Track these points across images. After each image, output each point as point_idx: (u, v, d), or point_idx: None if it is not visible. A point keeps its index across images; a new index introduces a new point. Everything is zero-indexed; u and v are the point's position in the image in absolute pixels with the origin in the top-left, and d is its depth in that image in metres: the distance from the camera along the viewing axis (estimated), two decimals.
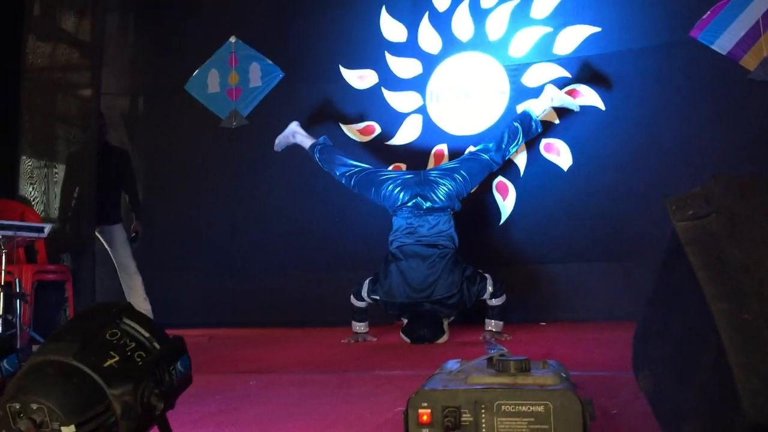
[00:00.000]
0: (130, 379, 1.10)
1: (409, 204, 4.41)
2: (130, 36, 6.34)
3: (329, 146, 4.95)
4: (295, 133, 5.14)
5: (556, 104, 4.90)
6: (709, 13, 4.89)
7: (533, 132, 4.81)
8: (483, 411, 1.19)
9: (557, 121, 5.21)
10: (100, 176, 5.02)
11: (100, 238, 5.21)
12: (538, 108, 4.83)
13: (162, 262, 5.86)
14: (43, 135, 5.47)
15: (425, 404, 1.21)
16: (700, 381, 1.20)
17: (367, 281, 4.30)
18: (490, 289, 4.14)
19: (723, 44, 4.87)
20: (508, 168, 5.31)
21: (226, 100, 6.06)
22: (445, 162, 5.34)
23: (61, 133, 5.62)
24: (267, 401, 2.28)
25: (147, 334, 1.20)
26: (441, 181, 4.48)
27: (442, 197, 4.42)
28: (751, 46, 4.79)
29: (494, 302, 4.17)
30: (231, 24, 6.08)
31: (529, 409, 1.18)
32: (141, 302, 5.19)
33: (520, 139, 4.75)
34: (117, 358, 1.13)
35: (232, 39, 6.06)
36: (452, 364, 1.52)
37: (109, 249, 5.22)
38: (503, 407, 1.18)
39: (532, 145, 5.25)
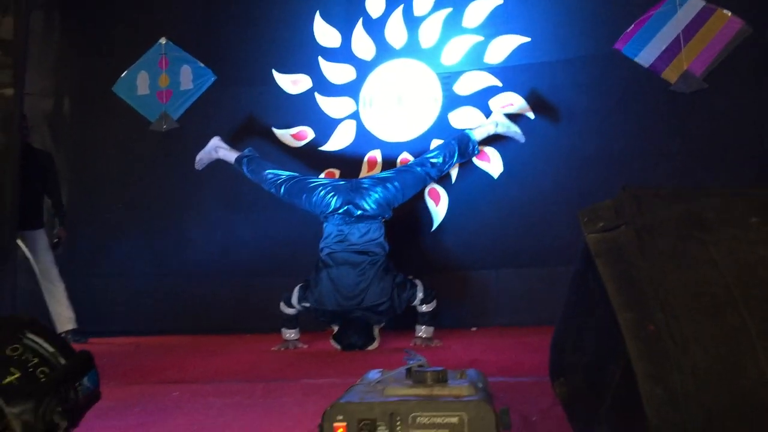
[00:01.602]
0: (31, 397, 1.06)
1: (341, 211, 4.40)
2: (56, 35, 6.13)
3: (256, 157, 4.90)
4: (217, 148, 5.06)
5: (500, 131, 4.91)
6: (632, 26, 5.05)
7: (469, 154, 4.88)
8: (398, 423, 1.19)
9: None
10: (22, 180, 4.84)
11: (21, 245, 5.03)
12: (481, 132, 4.87)
13: (87, 268, 5.69)
14: None
15: (340, 417, 1.20)
16: (611, 389, 1.23)
17: (297, 288, 4.27)
18: (420, 295, 4.18)
19: (645, 57, 5.03)
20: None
21: (156, 103, 5.93)
22: (379, 170, 5.35)
23: None
24: (189, 413, 2.23)
25: (51, 349, 1.16)
26: (373, 189, 4.49)
27: (373, 205, 4.42)
28: (672, 60, 4.96)
29: (424, 308, 4.21)
30: (161, 25, 5.95)
31: (443, 420, 1.18)
32: (64, 310, 5.03)
33: (456, 159, 4.80)
34: (18, 375, 1.09)
35: (163, 40, 5.93)
36: (373, 374, 1.52)
37: (30, 255, 5.04)
38: (418, 419, 1.18)
39: None
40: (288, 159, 5.57)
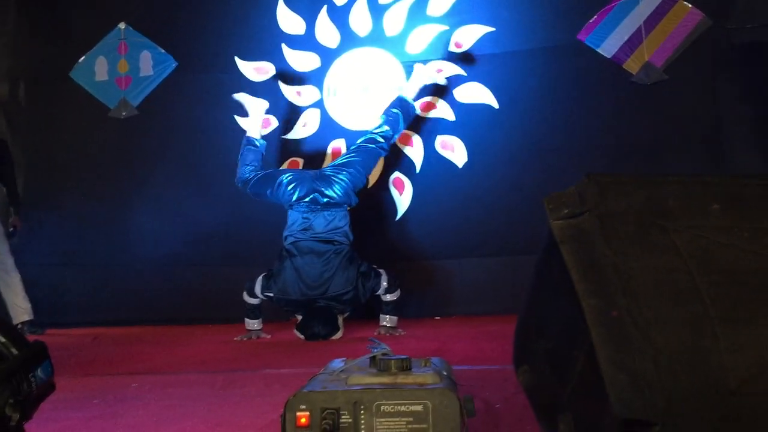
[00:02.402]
0: None
1: (306, 199, 4.38)
2: (11, 18, 5.95)
3: (256, 150, 4.90)
4: (257, 119, 5.06)
5: (427, 82, 5.09)
6: (595, 17, 5.09)
7: (411, 114, 5.00)
8: (362, 412, 1.17)
9: (453, 119, 5.29)
10: None
11: None
12: (411, 91, 5.01)
13: (44, 257, 5.56)
14: None
15: (303, 407, 1.18)
16: (575, 375, 1.23)
17: (260, 278, 4.24)
18: (384, 284, 4.18)
19: (608, 48, 5.08)
20: (404, 164, 5.34)
21: (115, 89, 5.80)
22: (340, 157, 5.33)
23: None
24: (148, 404, 2.20)
25: (3, 339, 1.12)
26: (337, 176, 4.48)
27: (339, 192, 4.42)
28: (633, 51, 5.02)
29: (388, 298, 4.21)
30: (121, 9, 5.81)
31: (408, 408, 1.17)
32: (20, 301, 4.93)
33: (402, 126, 4.88)
34: None
35: (122, 25, 5.80)
36: (337, 364, 1.50)
37: None
38: (382, 407, 1.17)
39: (428, 141, 5.31)
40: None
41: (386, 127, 4.74)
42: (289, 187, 4.44)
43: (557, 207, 1.20)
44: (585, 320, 1.09)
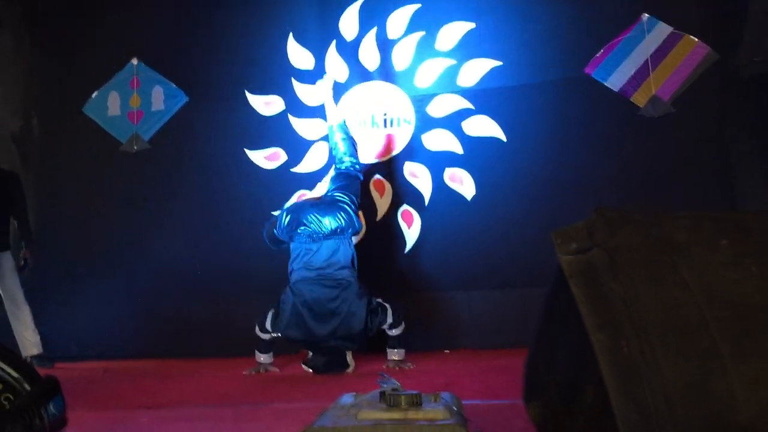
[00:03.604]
0: None
1: (307, 230, 4.35)
2: (26, 54, 6.06)
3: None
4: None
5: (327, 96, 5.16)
6: (602, 51, 5.14)
7: (346, 129, 4.95)
8: None
9: (461, 152, 5.32)
10: None
11: None
12: (331, 117, 5.03)
13: (54, 291, 5.58)
14: None
15: None
16: (585, 409, 1.23)
17: (270, 313, 4.23)
18: (390, 320, 4.16)
19: (615, 81, 5.11)
20: (413, 197, 5.36)
21: (127, 124, 5.88)
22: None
23: None
24: None
25: (16, 375, 1.13)
26: (344, 200, 4.47)
27: (343, 217, 4.38)
28: (640, 84, 5.05)
29: (393, 332, 4.21)
30: (133, 45, 5.90)
31: None
32: (29, 334, 4.93)
33: (349, 146, 4.83)
34: None
35: (134, 61, 5.89)
36: (347, 399, 1.50)
37: None
38: None
39: (436, 174, 5.33)
40: (260, 181, 5.55)
41: (350, 154, 4.76)
42: (290, 218, 4.41)
43: (566, 242, 1.21)
44: (594, 354, 1.10)
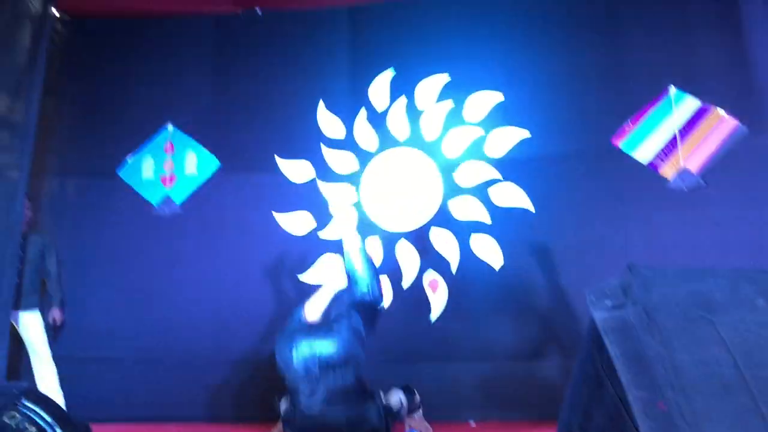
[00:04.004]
0: None
1: (301, 368, 3.79)
2: (65, 118, 6.25)
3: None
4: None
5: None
6: (629, 123, 5.18)
7: (366, 254, 4.26)
8: None
9: (489, 222, 5.33)
10: (21, 260, 4.84)
11: (15, 324, 4.98)
12: (348, 242, 4.27)
13: (81, 351, 5.58)
14: None
15: None
16: None
17: (282, 402, 3.99)
18: (404, 405, 3.96)
19: (643, 154, 5.14)
20: (440, 264, 5.35)
21: (160, 187, 5.99)
22: (380, 260, 5.39)
23: None
24: None
25: (50, 419, 1.14)
26: (334, 329, 3.90)
27: (339, 350, 3.80)
28: (669, 157, 5.06)
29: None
30: (169, 111, 6.07)
31: None
32: (54, 394, 4.93)
33: (369, 270, 4.17)
34: None
35: (170, 126, 6.05)
36: None
37: (24, 336, 4.98)
38: None
39: (463, 243, 5.33)
40: (288, 245, 5.59)
41: (366, 284, 4.08)
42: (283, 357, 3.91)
43: (599, 298, 1.21)
44: (631, 413, 1.08)
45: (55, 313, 5.15)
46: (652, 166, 5.09)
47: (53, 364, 4.98)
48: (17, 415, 1.10)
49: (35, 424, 1.11)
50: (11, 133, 5.53)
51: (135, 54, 6.21)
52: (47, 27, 5.79)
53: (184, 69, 6.11)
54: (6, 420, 1.08)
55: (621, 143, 5.18)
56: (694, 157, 4.99)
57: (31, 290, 5.07)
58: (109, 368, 5.58)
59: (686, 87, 5.11)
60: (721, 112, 4.97)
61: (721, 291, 1.22)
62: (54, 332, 5.14)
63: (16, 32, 5.61)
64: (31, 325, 5.00)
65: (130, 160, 6.06)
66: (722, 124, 4.95)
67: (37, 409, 1.13)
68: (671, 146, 5.06)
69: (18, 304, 4.92)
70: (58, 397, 4.94)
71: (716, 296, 1.21)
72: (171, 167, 5.99)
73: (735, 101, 4.97)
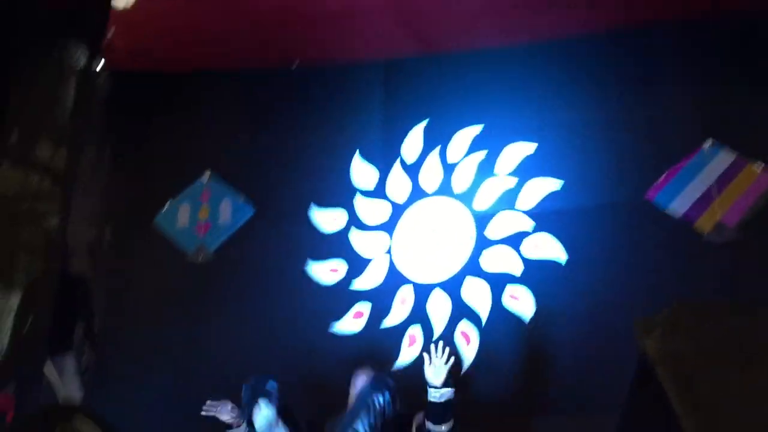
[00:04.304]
0: None
1: None
2: (105, 167, 6.41)
3: None
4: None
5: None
6: (663, 177, 5.15)
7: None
8: None
9: (518, 274, 5.29)
10: (57, 305, 4.90)
11: (49, 370, 5.02)
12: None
13: (111, 398, 5.58)
14: (3, 263, 5.38)
15: None
16: None
17: None
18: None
19: (677, 208, 5.08)
20: (471, 315, 5.31)
21: (194, 235, 6.07)
22: (409, 309, 5.38)
23: (21, 262, 5.54)
24: None
25: None
26: None
27: None
28: (705, 210, 5.01)
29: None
30: (207, 161, 6.20)
31: None
32: None
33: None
34: None
35: (207, 173, 6.16)
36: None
37: (56, 379, 5.01)
38: None
39: (496, 293, 5.29)
40: (320, 294, 5.59)
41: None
42: None
43: (650, 329, 1.20)
44: None
45: (89, 357, 5.18)
46: (687, 219, 5.03)
47: None
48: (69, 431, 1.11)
49: None
50: (52, 180, 5.69)
51: (175, 106, 6.39)
52: (91, 79, 6.00)
53: (222, 121, 6.27)
54: None
55: (655, 197, 5.15)
56: (731, 211, 4.93)
57: (66, 333, 5.12)
58: (140, 411, 5.55)
59: (722, 140, 5.08)
60: (758, 165, 4.93)
61: None
62: (86, 376, 5.16)
63: (62, 86, 5.82)
64: (65, 369, 5.03)
65: (167, 208, 6.16)
66: (760, 177, 4.90)
67: (89, 426, 1.14)
68: (707, 199, 5.01)
69: (52, 349, 4.95)
70: None
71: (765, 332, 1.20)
72: (206, 215, 6.07)
73: None
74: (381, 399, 3.83)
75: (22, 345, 5.05)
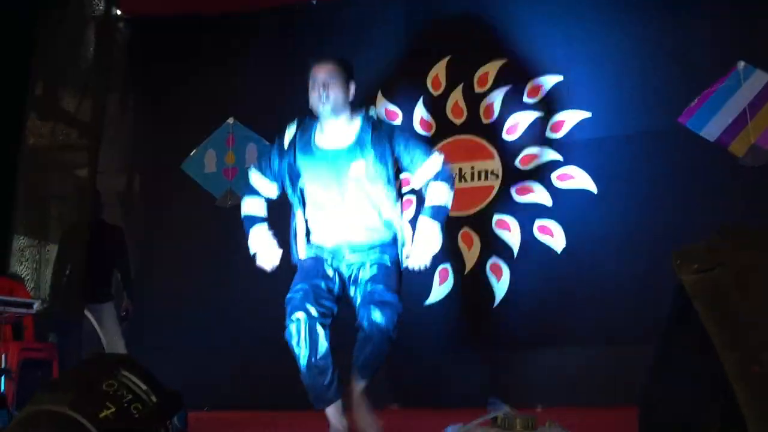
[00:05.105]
0: None
1: None
2: (129, 115, 6.43)
3: None
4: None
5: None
6: (696, 101, 5.03)
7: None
8: None
9: (550, 204, 5.26)
10: (92, 254, 4.99)
11: (90, 317, 5.14)
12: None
13: (151, 341, 5.73)
14: (37, 214, 5.48)
15: None
16: None
17: None
18: None
19: (711, 131, 4.98)
20: (501, 249, 5.31)
21: (222, 180, 6.11)
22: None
23: (55, 212, 5.63)
24: None
25: (145, 387, 1.18)
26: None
27: None
28: (738, 133, 4.90)
29: None
30: (230, 106, 6.19)
31: None
32: None
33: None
34: (113, 410, 1.10)
35: (230, 120, 6.16)
36: (452, 429, 1.48)
37: (98, 328, 5.14)
38: None
39: (525, 226, 5.28)
40: None
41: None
42: None
43: (687, 261, 1.18)
44: (723, 377, 1.05)
45: (126, 304, 5.30)
46: (721, 144, 4.93)
47: (128, 353, 5.13)
48: (115, 384, 1.14)
49: (132, 391, 1.15)
50: (79, 131, 5.72)
51: (195, 50, 6.33)
52: (111, 27, 5.96)
53: (244, 63, 6.20)
54: (104, 388, 1.12)
55: (688, 121, 5.04)
56: (765, 133, 4.81)
57: (104, 282, 5.22)
58: (176, 356, 5.70)
59: (755, 62, 4.92)
60: None
61: None
62: (125, 323, 5.29)
63: (82, 33, 5.80)
64: (105, 318, 5.15)
65: (193, 154, 6.19)
66: None
67: (134, 378, 1.17)
68: (741, 122, 4.89)
69: (92, 297, 5.07)
70: None
71: None
72: (233, 160, 6.10)
73: None
74: None
75: (60, 294, 5.19)
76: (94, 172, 5.38)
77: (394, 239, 3.12)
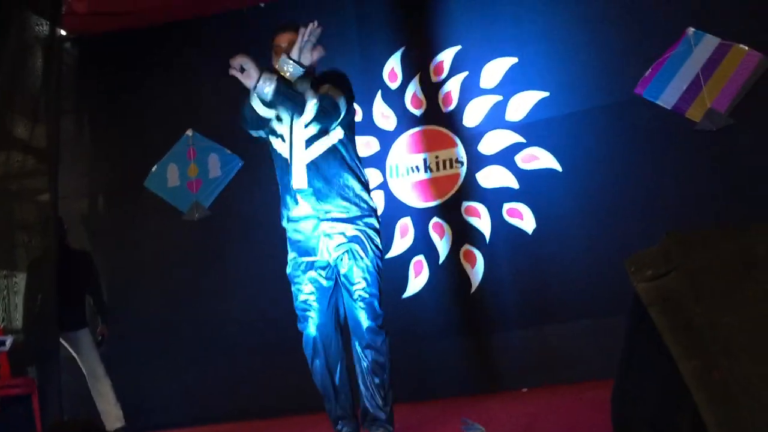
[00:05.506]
0: None
1: None
2: (86, 137, 6.33)
3: None
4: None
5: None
6: (650, 70, 5.06)
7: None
8: None
9: (517, 186, 5.27)
10: (62, 281, 4.92)
11: (66, 345, 5.08)
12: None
13: (130, 362, 5.68)
14: (2, 245, 5.38)
15: None
16: None
17: None
18: None
19: (667, 99, 5.02)
20: (473, 236, 5.32)
21: (187, 193, 6.03)
22: (411, 237, 5.38)
23: (20, 241, 5.53)
24: None
25: None
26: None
27: None
28: (694, 99, 4.95)
29: None
30: (187, 117, 6.10)
31: None
32: (112, 408, 5.03)
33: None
34: None
35: (189, 132, 6.08)
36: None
37: (75, 356, 5.08)
38: None
39: (494, 211, 5.29)
40: None
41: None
42: None
43: (639, 268, 1.17)
44: (685, 384, 1.05)
45: (102, 329, 5.24)
46: (678, 110, 4.97)
47: (108, 378, 5.06)
48: None
49: None
50: (36, 157, 5.62)
51: (146, 64, 6.24)
52: (57, 48, 5.84)
53: (198, 72, 6.11)
54: None
55: (643, 92, 5.07)
56: (720, 96, 4.86)
57: (77, 309, 5.15)
58: (161, 375, 5.66)
59: (704, 26, 4.96)
60: (742, 47, 4.83)
61: (764, 246, 1.18)
62: (102, 347, 5.22)
63: (28, 57, 5.67)
64: (82, 344, 5.08)
65: (155, 170, 6.11)
66: (745, 59, 4.81)
67: None
68: (695, 88, 4.93)
69: (66, 325, 5.00)
70: (117, 410, 5.03)
71: (760, 252, 1.18)
72: (195, 172, 6.02)
73: (756, 35, 4.82)
74: None
75: (34, 325, 5.11)
76: (56, 198, 5.30)
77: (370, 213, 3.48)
